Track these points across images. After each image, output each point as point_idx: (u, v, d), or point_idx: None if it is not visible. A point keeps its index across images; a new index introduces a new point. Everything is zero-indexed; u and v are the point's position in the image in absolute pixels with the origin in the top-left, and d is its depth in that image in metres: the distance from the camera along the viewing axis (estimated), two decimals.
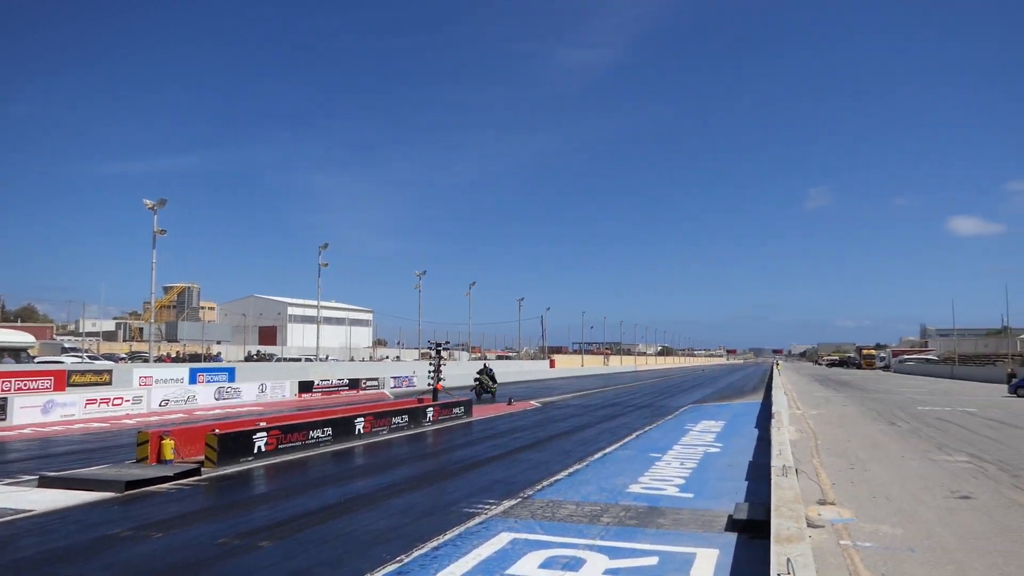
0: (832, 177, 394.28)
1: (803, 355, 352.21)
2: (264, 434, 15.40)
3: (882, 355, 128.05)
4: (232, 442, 14.63)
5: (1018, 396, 38.42)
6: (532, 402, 33.11)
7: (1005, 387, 45.05)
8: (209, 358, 54.99)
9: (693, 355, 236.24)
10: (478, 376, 38.01)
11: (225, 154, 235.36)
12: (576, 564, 7.65)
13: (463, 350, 76.88)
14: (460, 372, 55.41)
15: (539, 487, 12.05)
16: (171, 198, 34.65)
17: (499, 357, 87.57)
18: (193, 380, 32.88)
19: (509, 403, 31.55)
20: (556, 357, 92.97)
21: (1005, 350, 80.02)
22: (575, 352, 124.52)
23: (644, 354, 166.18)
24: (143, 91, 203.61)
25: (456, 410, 23.96)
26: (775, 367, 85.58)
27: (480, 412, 26.46)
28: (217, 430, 14.95)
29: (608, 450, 16.61)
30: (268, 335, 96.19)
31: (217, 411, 27.68)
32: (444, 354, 24.65)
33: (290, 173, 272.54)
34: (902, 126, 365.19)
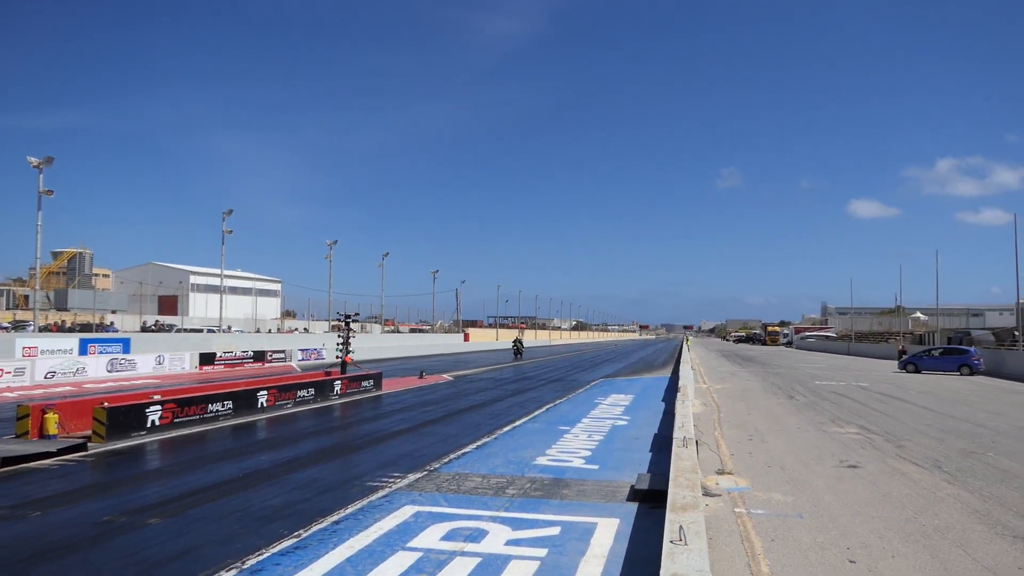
0: (742, 157, 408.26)
1: (712, 331, 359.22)
2: (158, 407, 14.88)
3: (785, 332, 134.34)
4: (123, 416, 14.06)
5: (907, 372, 40.30)
6: (444, 376, 32.84)
7: (896, 363, 47.56)
8: (102, 328, 52.36)
9: (607, 330, 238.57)
10: (515, 343, 57.76)
11: (121, 110, 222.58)
12: (479, 536, 7.68)
13: (376, 323, 75.50)
14: (372, 345, 54.76)
15: (446, 460, 12.06)
16: (60, 157, 32.84)
17: (413, 330, 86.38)
18: (84, 351, 31.56)
19: (420, 376, 31.18)
20: (471, 331, 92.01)
21: (898, 328, 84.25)
22: (490, 326, 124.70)
23: (559, 329, 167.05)
24: (27, 38, 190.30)
25: (365, 383, 23.61)
26: (685, 342, 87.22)
27: (390, 385, 26.32)
28: (107, 403, 14.36)
29: (518, 423, 16.70)
30: (169, 305, 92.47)
31: (109, 384, 26.60)
32: (355, 327, 24.33)
33: (193, 133, 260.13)
34: (807, 108, 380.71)
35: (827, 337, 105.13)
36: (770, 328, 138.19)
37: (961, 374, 38.48)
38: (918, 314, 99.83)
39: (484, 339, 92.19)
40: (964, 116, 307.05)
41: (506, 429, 15.78)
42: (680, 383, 20.82)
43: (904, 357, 45.10)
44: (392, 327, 79.78)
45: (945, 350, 42.51)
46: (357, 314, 30.11)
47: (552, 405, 20.65)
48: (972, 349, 41.51)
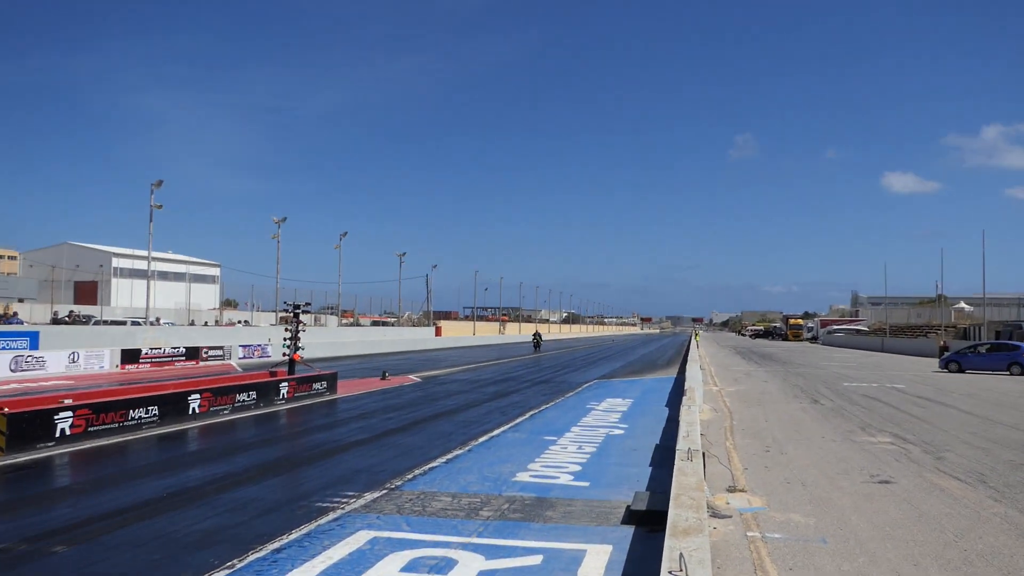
0: (758, 123, 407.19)
1: (726, 324, 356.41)
2: (69, 413, 14.67)
3: (810, 325, 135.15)
4: (26, 423, 13.83)
5: (949, 371, 40.37)
6: (411, 376, 32.61)
7: (936, 361, 47.19)
8: (6, 319, 51.54)
9: (603, 323, 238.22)
10: (535, 336, 69.46)
11: (30, 60, 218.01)
12: (446, 566, 7.57)
13: (331, 314, 74.91)
14: (326, 340, 53.97)
15: (410, 476, 11.88)
16: None
17: (375, 323, 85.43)
18: None
19: (383, 377, 30.67)
20: (443, 324, 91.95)
21: (938, 320, 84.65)
22: (466, 318, 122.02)
23: (547, 321, 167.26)
24: None
25: (317, 385, 23.40)
26: (694, 338, 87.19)
27: (347, 388, 25.97)
28: (6, 408, 14.02)
29: (496, 432, 16.55)
30: (87, 293, 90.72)
31: (13, 385, 26.01)
32: (305, 318, 24.11)
33: (117, 91, 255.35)
34: (834, 67, 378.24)
35: (857, 331, 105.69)
36: (792, 321, 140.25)
37: (1011, 374, 38.35)
38: (962, 304, 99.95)
39: (459, 333, 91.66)
40: (1013, 77, 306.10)
41: (482, 440, 15.57)
42: (687, 385, 20.71)
43: (946, 354, 45.15)
44: (351, 320, 78.71)
45: (993, 346, 42.73)
46: (309, 304, 29.57)
47: (537, 411, 20.57)
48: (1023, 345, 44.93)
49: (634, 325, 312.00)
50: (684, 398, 17.64)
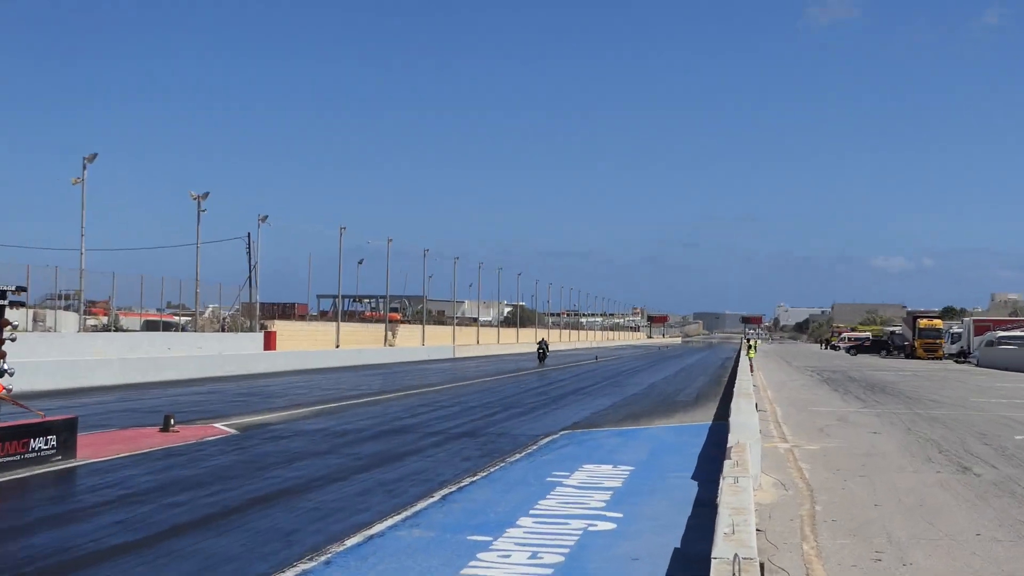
0: None
1: (802, 329, 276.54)
2: None
3: (955, 330, 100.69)
4: None
5: None
6: (219, 425, 26.47)
7: None
8: None
9: (579, 326, 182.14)
10: (540, 346, 75.20)
11: None
12: None
13: (67, 308, 52.25)
14: (59, 356, 40.87)
15: None
16: None
17: (152, 324, 63.18)
18: None
19: (166, 427, 24.37)
20: (280, 327, 70.50)
21: None
22: (323, 316, 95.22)
23: (476, 322, 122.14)
24: None
25: (38, 442, 18.46)
26: (745, 352, 66.91)
27: (97, 447, 20.46)
28: None
29: (375, 530, 12.49)
30: None
31: None
32: (15, 315, 19.04)
33: None
34: None
35: None
36: (923, 323, 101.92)
37: None
38: None
39: (310, 344, 70.89)
40: None
41: (351, 542, 11.54)
42: (732, 438, 16.70)
43: None
44: (104, 316, 59.87)
45: None
46: (22, 290, 22.65)
47: (457, 488, 16.54)
48: None
49: (635, 330, 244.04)
50: (727, 463, 14.01)
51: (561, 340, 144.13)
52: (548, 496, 15.56)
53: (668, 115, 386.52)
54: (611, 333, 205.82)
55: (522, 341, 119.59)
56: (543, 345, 75.93)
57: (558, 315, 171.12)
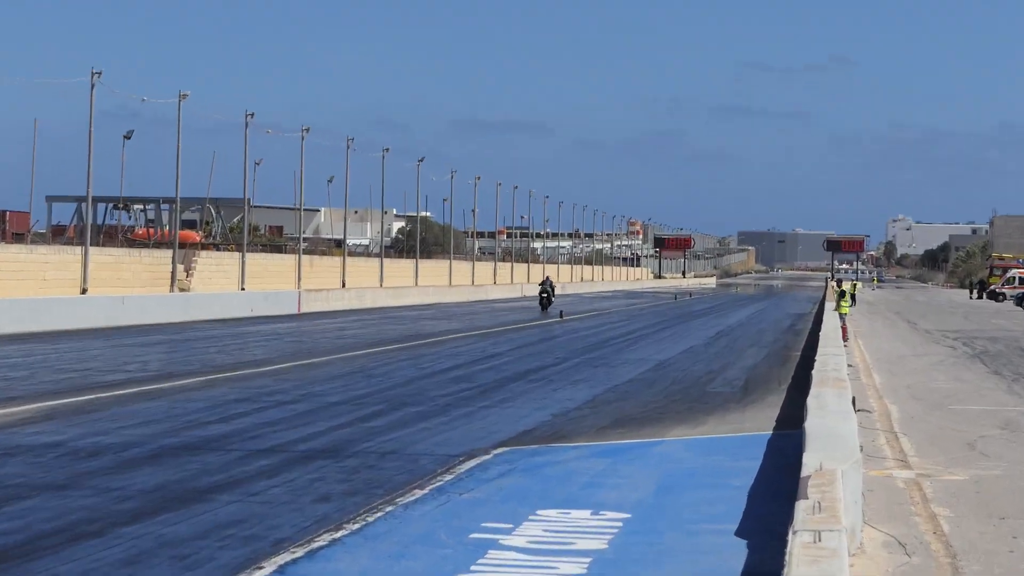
0: None
1: (936, 260, 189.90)
2: None
3: None
4: None
5: None
6: None
7: None
8: None
9: (532, 256, 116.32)
10: (542, 286, 62.75)
11: None
12: None
13: None
14: None
15: None
16: None
17: None
18: None
19: None
20: None
21: None
22: (58, 234, 64.92)
23: (342, 248, 75.54)
24: None
25: None
26: (834, 301, 44.10)
27: None
28: None
29: None
30: None
31: None
32: None
33: None
34: None
35: None
36: None
37: None
38: None
39: (32, 289, 42.84)
40: None
41: None
42: (810, 462, 10.64)
43: None
44: None
45: None
46: None
47: (305, 554, 9.62)
48: None
49: (633, 263, 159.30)
50: (802, 506, 8.16)
51: (496, 280, 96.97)
52: (473, 571, 8.53)
53: None
54: (588, 269, 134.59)
55: (431, 282, 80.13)
56: (547, 285, 63.93)
57: (492, 236, 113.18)
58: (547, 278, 67.56)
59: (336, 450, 15.91)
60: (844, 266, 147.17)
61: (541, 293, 62.40)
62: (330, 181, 72.06)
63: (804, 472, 9.51)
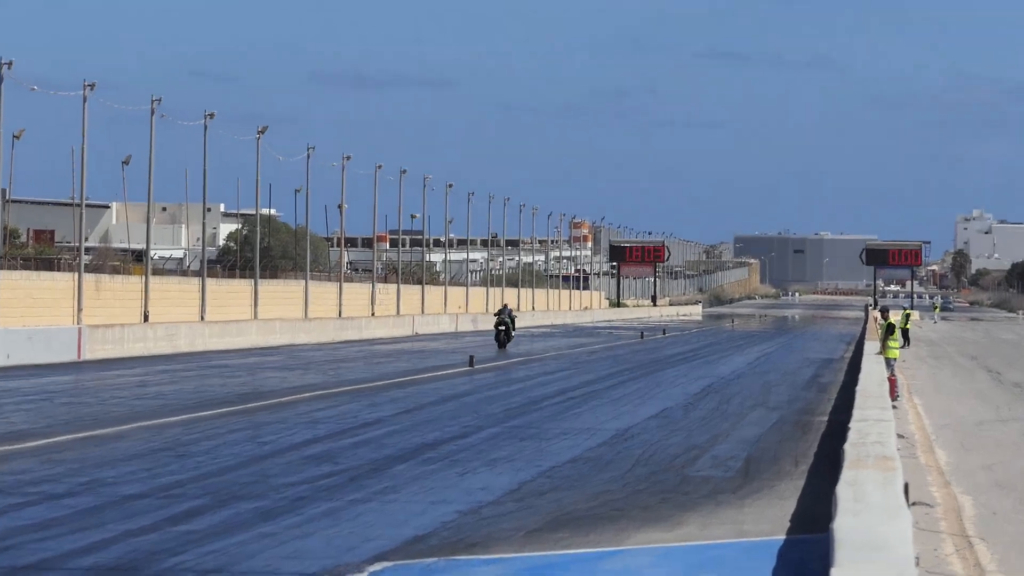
0: None
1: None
2: None
3: None
4: None
5: None
6: None
7: None
8: None
9: (430, 274, 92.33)
10: (498, 318, 54.41)
11: None
12: None
13: None
14: None
15: None
16: None
17: None
18: None
19: None
20: None
21: None
22: None
23: (143, 263, 57.62)
24: None
25: None
26: (879, 339, 33.10)
27: None
28: None
29: None
30: None
31: None
32: None
33: None
34: None
35: None
36: None
37: None
38: None
39: None
40: None
41: None
42: None
43: None
44: None
45: None
46: None
47: None
48: None
49: (577, 284, 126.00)
50: None
51: (378, 306, 75.48)
52: None
53: None
54: (511, 293, 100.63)
55: (277, 313, 62.79)
56: (505, 315, 54.63)
57: (368, 244, 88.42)
58: (505, 305, 59.80)
59: (133, 568, 10.99)
60: (892, 287, 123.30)
61: (498, 325, 54.13)
62: (126, 163, 53.45)
63: None
